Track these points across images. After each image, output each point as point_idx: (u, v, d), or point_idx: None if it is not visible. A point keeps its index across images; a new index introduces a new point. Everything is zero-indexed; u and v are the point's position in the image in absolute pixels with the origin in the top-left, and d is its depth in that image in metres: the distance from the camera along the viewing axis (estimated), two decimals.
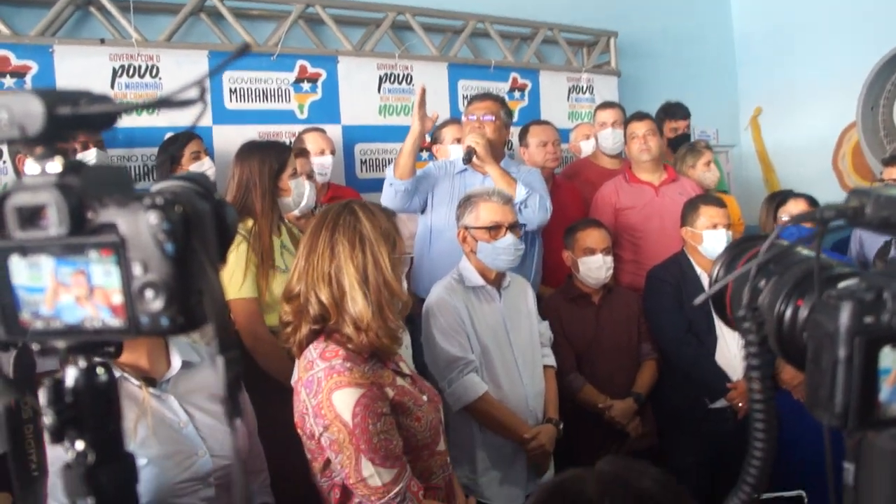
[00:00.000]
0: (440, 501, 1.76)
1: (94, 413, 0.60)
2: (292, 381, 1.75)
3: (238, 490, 0.58)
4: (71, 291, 0.56)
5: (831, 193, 5.22)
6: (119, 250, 0.54)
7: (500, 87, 4.60)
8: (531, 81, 4.76)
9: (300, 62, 3.95)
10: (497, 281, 2.66)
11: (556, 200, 3.65)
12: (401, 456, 1.64)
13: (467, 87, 4.47)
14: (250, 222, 2.70)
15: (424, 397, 1.80)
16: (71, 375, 0.60)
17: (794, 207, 3.31)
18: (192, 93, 0.57)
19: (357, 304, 1.64)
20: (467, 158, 3.17)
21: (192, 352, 1.69)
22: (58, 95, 0.55)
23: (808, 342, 0.58)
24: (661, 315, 3.14)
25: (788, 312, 0.64)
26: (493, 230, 2.58)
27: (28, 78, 3.28)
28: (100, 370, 0.61)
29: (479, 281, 2.62)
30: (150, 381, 1.60)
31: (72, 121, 0.55)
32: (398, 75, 4.25)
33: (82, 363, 0.60)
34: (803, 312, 0.62)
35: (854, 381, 0.53)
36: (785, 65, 5.57)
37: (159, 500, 1.50)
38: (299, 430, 1.69)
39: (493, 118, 3.33)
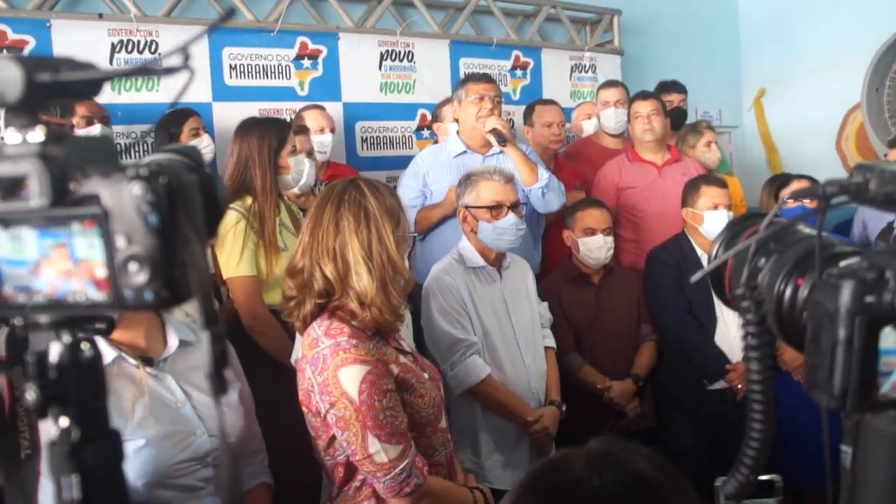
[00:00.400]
0: (442, 478, 1.77)
1: (79, 389, 0.58)
2: (294, 359, 1.75)
3: (223, 469, 0.57)
4: (54, 265, 0.55)
5: (834, 175, 5.16)
6: (102, 222, 0.53)
7: (502, 65, 4.57)
8: (533, 60, 4.72)
9: (301, 38, 3.92)
10: (497, 261, 2.64)
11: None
12: (406, 432, 1.64)
13: (469, 64, 4.43)
14: (249, 200, 2.68)
15: (426, 375, 1.80)
16: (55, 351, 0.58)
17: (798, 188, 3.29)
18: (176, 61, 0.55)
19: (362, 279, 1.64)
20: (503, 142, 3.13)
21: (189, 331, 1.68)
22: (38, 61, 0.54)
23: (808, 322, 0.57)
24: (660, 296, 3.13)
25: (788, 292, 0.62)
26: (495, 210, 2.55)
27: (25, 52, 3.25)
28: (84, 346, 0.60)
29: (480, 261, 2.59)
30: (147, 360, 1.59)
31: (53, 88, 0.53)
32: (399, 52, 4.21)
33: (67, 338, 0.59)
34: (803, 292, 0.61)
35: (854, 362, 0.52)
36: (789, 45, 5.52)
37: (158, 481, 1.49)
38: (304, 408, 1.69)
39: (500, 100, 3.31)
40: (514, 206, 2.58)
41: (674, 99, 4.38)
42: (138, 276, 0.53)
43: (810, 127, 5.42)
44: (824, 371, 0.53)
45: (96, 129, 2.98)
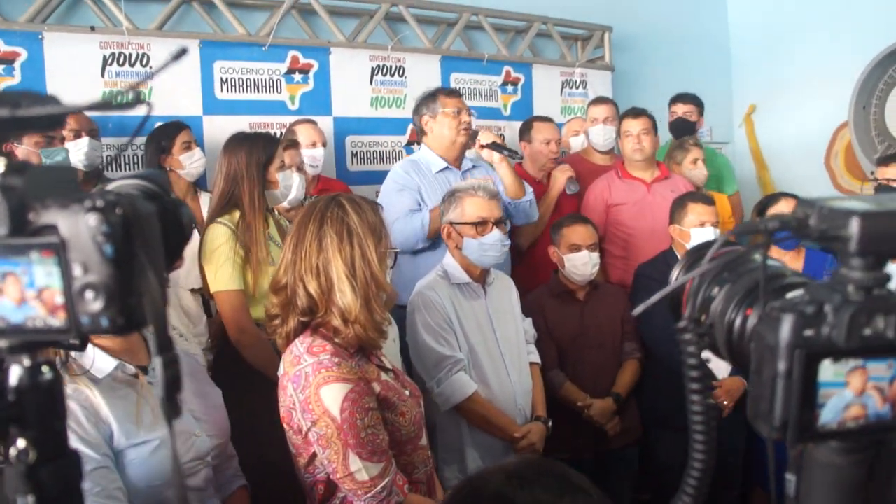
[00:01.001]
0: (422, 496, 1.77)
1: (38, 412, 0.59)
2: (279, 375, 1.75)
3: (175, 490, 0.58)
4: (13, 292, 0.56)
5: (824, 192, 5.22)
6: (60, 251, 0.54)
7: (493, 81, 4.60)
8: (524, 75, 4.75)
9: (292, 53, 3.94)
10: (482, 277, 2.65)
11: None
12: (387, 450, 1.65)
13: (460, 79, 4.46)
14: (237, 214, 2.70)
15: (407, 392, 1.81)
16: (14, 374, 0.59)
17: (786, 208, 3.30)
18: (136, 94, 0.57)
19: (345, 296, 1.65)
20: (512, 153, 3.27)
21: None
22: None
23: (752, 354, 0.58)
24: (647, 312, 3.13)
25: (738, 321, 0.64)
26: (480, 226, 2.56)
27: (17, 65, 3.27)
28: (45, 369, 0.61)
29: (465, 277, 2.60)
30: (143, 368, 1.65)
31: (11, 122, 0.55)
32: (390, 67, 4.23)
33: (26, 362, 0.60)
34: (751, 322, 0.62)
35: (793, 395, 0.53)
36: (780, 62, 5.56)
37: (170, 481, 1.53)
38: (285, 425, 1.69)
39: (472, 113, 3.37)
40: (498, 222, 2.59)
41: (678, 109, 4.41)
42: (94, 303, 0.54)
43: (800, 143, 5.45)
44: (766, 402, 0.54)
45: (84, 142, 2.98)
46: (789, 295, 0.60)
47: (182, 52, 0.60)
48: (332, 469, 1.62)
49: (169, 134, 3.18)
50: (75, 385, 1.49)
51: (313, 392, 1.60)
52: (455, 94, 3.34)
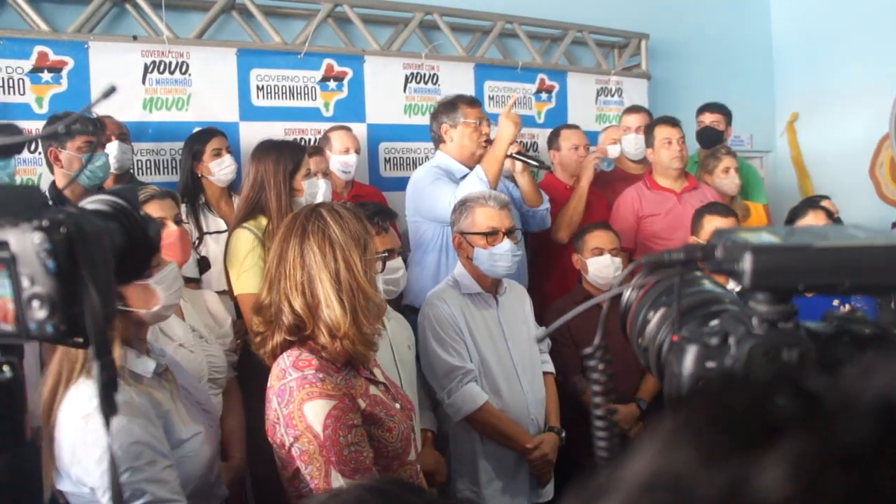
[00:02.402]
0: None
1: None
2: (267, 387, 1.73)
3: (112, 487, 0.63)
4: None
5: (867, 202, 5.10)
6: (10, 265, 0.59)
7: (527, 89, 4.61)
8: (559, 83, 4.74)
9: (327, 60, 4.01)
10: (493, 287, 2.66)
11: None
12: (370, 467, 1.62)
13: (493, 87, 4.49)
14: (264, 221, 2.77)
15: (397, 405, 1.79)
16: None
17: (813, 220, 3.22)
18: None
19: (333, 311, 1.62)
20: (539, 164, 3.32)
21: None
22: None
23: (665, 382, 0.59)
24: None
25: (665, 346, 0.65)
26: (491, 236, 2.56)
27: (64, 73, 3.40)
28: (5, 368, 0.66)
29: (476, 287, 2.61)
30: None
31: None
32: (424, 75, 4.28)
33: None
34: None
35: None
36: (824, 70, 5.45)
37: (209, 468, 1.68)
38: (270, 439, 1.68)
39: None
40: (509, 233, 2.59)
41: (705, 119, 4.36)
42: (40, 311, 0.59)
43: (844, 152, 5.33)
44: None
45: (114, 146, 3.08)
46: (712, 323, 0.61)
47: (111, 91, 0.64)
48: (314, 485, 1.60)
49: (202, 140, 3.27)
50: (136, 387, 1.54)
51: (296, 407, 1.58)
52: (475, 103, 3.37)
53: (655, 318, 0.68)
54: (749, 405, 0.30)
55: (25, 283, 0.59)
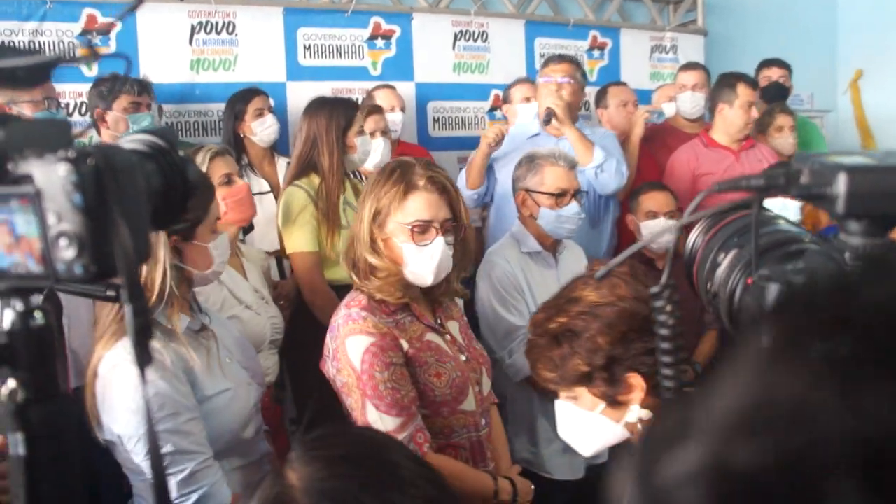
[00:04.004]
0: (463, 461, 1.77)
1: (29, 354, 0.62)
2: None
3: (149, 438, 0.59)
4: (2, 238, 0.58)
5: None
6: (35, 201, 0.56)
7: (579, 46, 4.48)
8: (612, 40, 4.60)
9: (374, 19, 3.94)
10: (553, 246, 2.59)
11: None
12: (409, 406, 1.68)
13: (544, 45, 4.36)
14: (315, 178, 2.76)
15: (462, 357, 1.82)
16: (7, 317, 0.62)
17: None
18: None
19: (369, 254, 1.73)
20: (547, 120, 3.16)
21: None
22: None
23: (742, 325, 0.54)
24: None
25: (738, 290, 0.59)
26: (559, 197, 2.49)
27: (113, 35, 3.40)
28: (37, 314, 0.63)
29: (536, 246, 2.54)
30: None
31: None
32: (473, 32, 4.18)
33: (19, 306, 0.62)
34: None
35: None
36: (890, 25, 5.17)
37: (243, 424, 1.67)
38: (325, 373, 1.79)
39: (571, 80, 3.26)
40: (576, 194, 2.53)
41: (773, 74, 4.18)
42: (68, 251, 0.56)
43: None
44: None
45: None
46: (794, 262, 0.55)
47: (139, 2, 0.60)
48: (354, 416, 1.70)
49: (244, 99, 3.24)
50: (163, 341, 1.56)
51: (341, 342, 1.70)
52: (557, 60, 3.37)
53: (727, 260, 0.62)
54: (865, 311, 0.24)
55: (52, 219, 0.56)
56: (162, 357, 1.51)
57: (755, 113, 3.56)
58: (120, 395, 1.47)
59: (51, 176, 0.55)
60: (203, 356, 1.63)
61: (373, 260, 1.73)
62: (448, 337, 1.83)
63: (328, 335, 1.77)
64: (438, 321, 1.84)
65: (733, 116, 3.59)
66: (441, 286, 1.80)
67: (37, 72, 0.55)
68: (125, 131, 2.74)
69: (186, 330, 1.62)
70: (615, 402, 1.25)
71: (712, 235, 0.66)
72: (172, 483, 1.48)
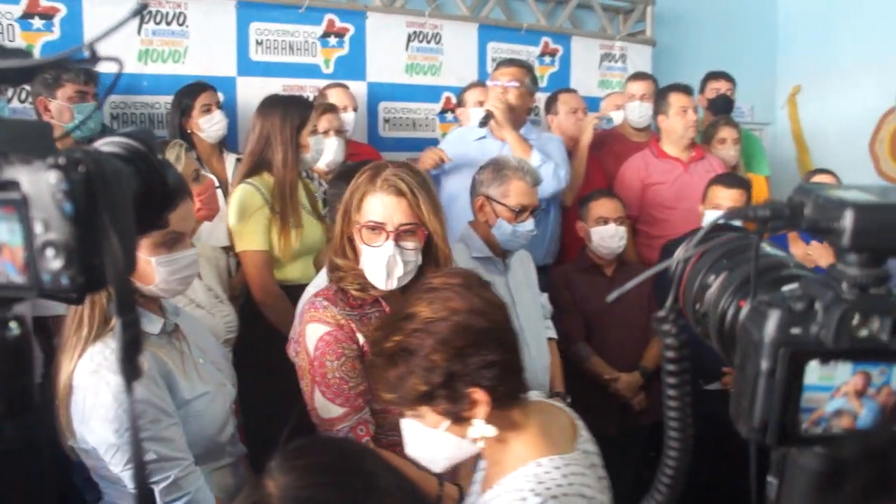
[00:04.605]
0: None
1: (3, 367, 0.59)
2: None
3: (134, 455, 0.57)
4: None
5: (866, 178, 5.05)
6: (21, 208, 0.53)
7: (531, 51, 4.52)
8: (563, 47, 4.65)
9: (328, 16, 3.90)
10: (502, 252, 2.59)
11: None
12: (355, 399, 1.72)
13: (497, 49, 4.39)
14: (267, 176, 2.73)
15: None
16: None
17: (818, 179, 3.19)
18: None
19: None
20: (484, 122, 3.18)
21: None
22: None
23: (738, 348, 0.55)
24: (667, 290, 3.09)
25: (730, 312, 0.61)
26: (520, 213, 2.48)
27: (56, 20, 3.28)
28: (12, 325, 0.60)
29: (487, 251, 2.53)
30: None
31: None
32: (427, 34, 4.18)
33: None
34: (743, 314, 0.59)
35: (775, 396, 0.50)
36: (828, 43, 5.38)
37: (219, 429, 1.65)
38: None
39: (518, 84, 3.30)
40: (534, 210, 2.54)
41: (721, 87, 4.30)
42: (54, 261, 0.53)
43: (844, 127, 5.30)
44: (746, 400, 0.51)
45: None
46: (785, 288, 0.57)
47: (143, 7, 0.58)
48: (305, 399, 1.77)
49: (191, 94, 3.16)
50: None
51: (303, 327, 1.77)
52: (508, 63, 3.43)
53: (717, 282, 0.63)
54: None
55: (38, 228, 0.53)
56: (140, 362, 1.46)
57: (692, 116, 3.64)
58: (95, 406, 1.42)
59: (39, 183, 0.52)
60: (177, 359, 1.60)
61: (336, 259, 1.79)
62: None
63: (297, 317, 1.87)
64: None
65: (671, 124, 3.69)
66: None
67: (24, 73, 0.52)
68: (70, 121, 2.64)
69: (161, 332, 1.58)
70: (459, 419, 1.23)
71: (698, 258, 0.67)
72: (157, 491, 1.45)
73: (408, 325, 1.24)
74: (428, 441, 1.28)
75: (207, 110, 3.15)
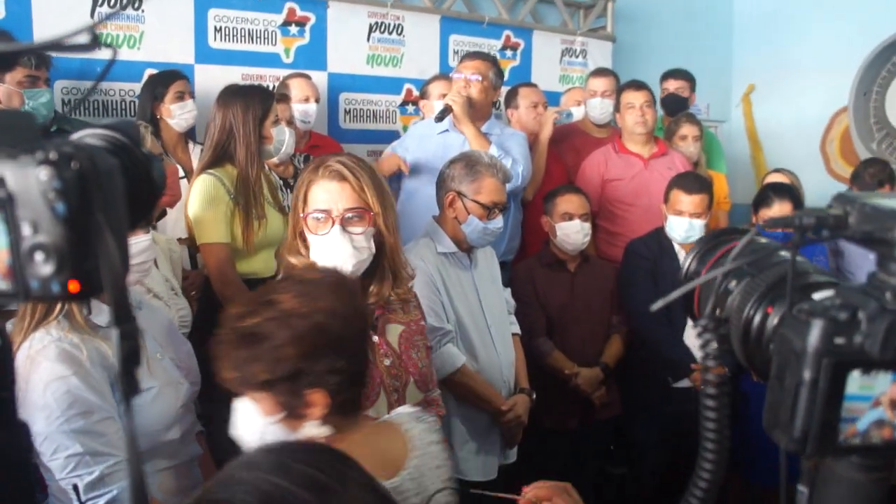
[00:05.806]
0: None
1: None
2: None
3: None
4: None
5: (818, 177, 5.17)
6: (6, 207, 0.48)
7: (493, 45, 4.49)
8: (524, 41, 4.64)
9: (289, 4, 3.81)
10: (468, 248, 2.57)
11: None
12: None
13: (459, 42, 4.35)
14: (231, 169, 2.67)
15: (386, 361, 1.80)
16: None
17: (779, 210, 3.20)
18: (84, 37, 0.50)
19: None
20: (441, 116, 3.14)
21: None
22: None
23: (774, 357, 0.53)
24: (633, 289, 3.12)
25: (757, 319, 0.59)
26: (491, 211, 2.45)
27: (1, 2, 3.12)
28: None
29: (452, 247, 2.49)
30: None
31: None
32: (389, 25, 4.12)
33: None
34: (772, 321, 0.57)
35: (817, 406, 0.48)
36: (782, 43, 5.48)
37: (167, 426, 1.61)
38: None
39: (480, 78, 3.28)
40: (504, 209, 2.52)
41: (671, 85, 4.33)
42: (44, 266, 0.48)
43: (797, 126, 5.40)
44: (786, 411, 0.50)
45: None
46: (816, 296, 0.55)
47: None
48: None
49: (164, 82, 3.10)
50: (82, 335, 1.48)
51: None
52: (472, 57, 3.41)
53: (740, 287, 0.61)
54: None
55: (26, 230, 0.48)
56: (79, 352, 1.43)
57: (641, 112, 3.64)
58: (27, 392, 1.39)
59: (27, 180, 0.47)
60: None
61: (290, 258, 1.73)
62: (377, 338, 1.79)
63: None
64: (375, 320, 1.79)
65: (623, 120, 3.72)
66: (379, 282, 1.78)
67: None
68: (20, 107, 2.52)
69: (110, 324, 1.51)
70: (295, 415, 1.22)
71: (715, 260, 0.65)
72: (80, 486, 1.42)
73: (267, 311, 1.21)
74: (257, 427, 1.24)
75: (180, 97, 3.09)
